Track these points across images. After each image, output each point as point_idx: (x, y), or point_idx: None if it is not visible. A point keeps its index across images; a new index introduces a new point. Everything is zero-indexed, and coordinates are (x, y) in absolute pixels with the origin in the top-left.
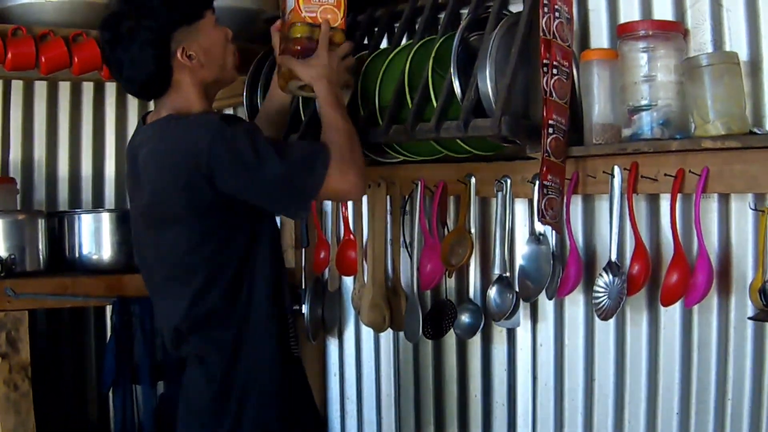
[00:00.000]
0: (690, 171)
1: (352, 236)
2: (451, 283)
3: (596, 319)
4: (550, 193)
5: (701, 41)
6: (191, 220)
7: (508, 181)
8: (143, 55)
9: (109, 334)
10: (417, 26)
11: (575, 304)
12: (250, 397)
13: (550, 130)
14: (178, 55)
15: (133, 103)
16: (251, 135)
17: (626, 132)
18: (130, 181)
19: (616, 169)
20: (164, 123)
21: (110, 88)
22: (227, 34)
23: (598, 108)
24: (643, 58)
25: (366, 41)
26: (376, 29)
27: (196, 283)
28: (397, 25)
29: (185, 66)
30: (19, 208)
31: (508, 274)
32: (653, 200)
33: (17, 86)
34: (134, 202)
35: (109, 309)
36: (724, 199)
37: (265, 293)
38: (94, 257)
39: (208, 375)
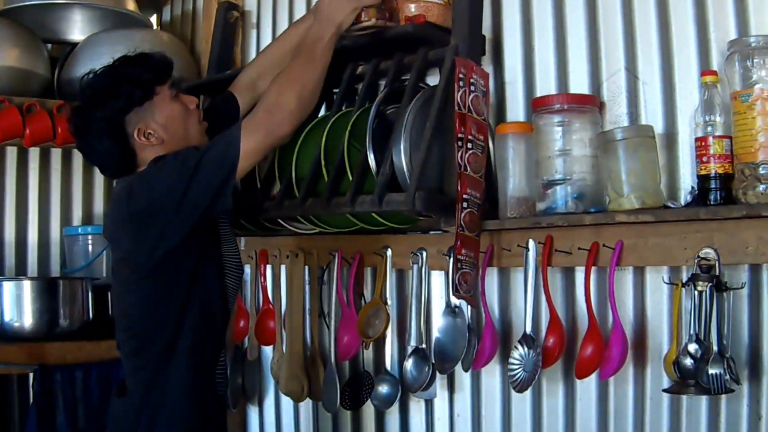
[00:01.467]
0: (604, 245)
1: (270, 306)
2: (368, 354)
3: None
4: (464, 267)
5: (617, 114)
6: (136, 284)
7: (424, 254)
8: (102, 145)
9: (31, 401)
10: (335, 97)
11: (492, 375)
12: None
13: (465, 205)
14: (136, 136)
15: (56, 168)
16: (175, 153)
17: (541, 206)
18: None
19: (531, 243)
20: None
21: (33, 153)
22: (187, 103)
23: (513, 181)
24: (558, 132)
25: None
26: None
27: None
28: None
29: (145, 145)
30: None
31: (424, 345)
32: (568, 273)
33: None
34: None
35: (30, 377)
36: (639, 271)
37: (192, 335)
38: (16, 324)
39: (128, 405)
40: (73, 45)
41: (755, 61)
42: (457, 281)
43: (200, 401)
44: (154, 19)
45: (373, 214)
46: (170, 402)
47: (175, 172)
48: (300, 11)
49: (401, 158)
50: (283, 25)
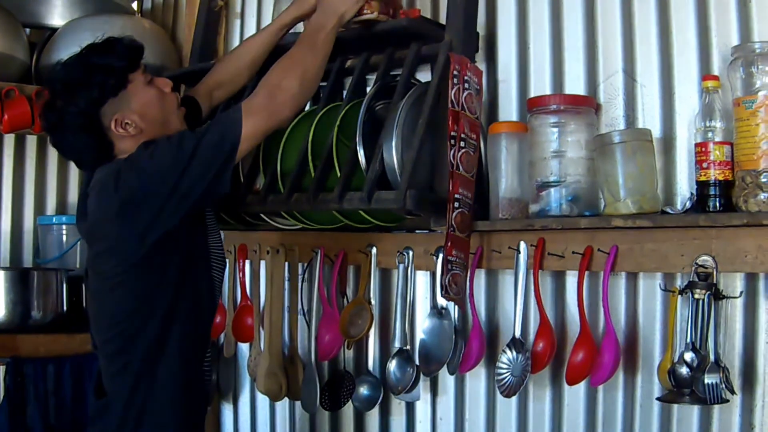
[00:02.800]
0: (599, 249)
1: (249, 302)
2: (349, 354)
3: (498, 393)
4: (454, 268)
5: (613, 116)
6: (123, 276)
7: (410, 253)
8: (77, 139)
9: (2, 394)
10: (322, 92)
11: (477, 378)
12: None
13: (456, 205)
14: (113, 127)
15: (30, 156)
16: (168, 137)
17: (534, 207)
18: (79, 216)
19: (522, 245)
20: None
21: (8, 140)
22: (162, 86)
23: (505, 182)
24: (554, 133)
25: None
26: None
27: (118, 334)
28: None
29: (123, 136)
30: None
31: (408, 347)
32: (559, 276)
33: None
34: (81, 233)
35: (2, 369)
36: (632, 277)
37: (179, 342)
38: None
39: (110, 407)
40: (53, 30)
41: (759, 67)
42: (446, 283)
43: (189, 399)
44: (135, 5)
45: (361, 212)
46: (159, 400)
47: (170, 155)
48: (285, 1)
49: (392, 155)
50: (267, 14)
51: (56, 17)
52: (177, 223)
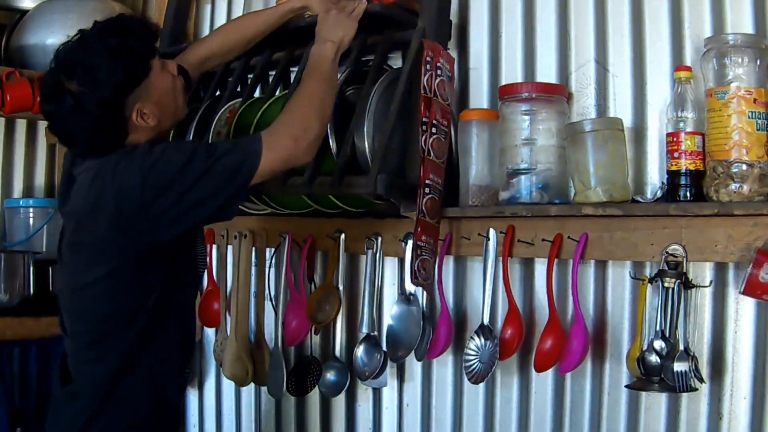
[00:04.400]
0: (569, 237)
1: (215, 287)
2: (316, 339)
3: (465, 380)
4: (423, 253)
5: (584, 105)
6: (103, 274)
7: (379, 239)
8: (93, 128)
9: None
10: (293, 76)
11: (444, 364)
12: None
13: (427, 190)
14: (133, 118)
15: None
16: (179, 146)
17: (504, 195)
18: (61, 197)
19: (492, 232)
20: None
21: None
22: (172, 71)
23: (476, 169)
24: (525, 120)
25: (239, 89)
26: (249, 77)
27: (100, 330)
28: (272, 74)
29: (141, 127)
30: None
31: (376, 333)
32: (528, 264)
33: None
34: (63, 216)
35: None
36: (601, 265)
37: (164, 342)
38: None
39: (79, 402)
40: (23, 12)
41: (732, 58)
42: (415, 268)
43: (166, 398)
44: None
45: (330, 196)
46: (137, 399)
47: (177, 169)
48: None
49: (364, 140)
50: (238, 0)
51: None
52: (169, 238)
